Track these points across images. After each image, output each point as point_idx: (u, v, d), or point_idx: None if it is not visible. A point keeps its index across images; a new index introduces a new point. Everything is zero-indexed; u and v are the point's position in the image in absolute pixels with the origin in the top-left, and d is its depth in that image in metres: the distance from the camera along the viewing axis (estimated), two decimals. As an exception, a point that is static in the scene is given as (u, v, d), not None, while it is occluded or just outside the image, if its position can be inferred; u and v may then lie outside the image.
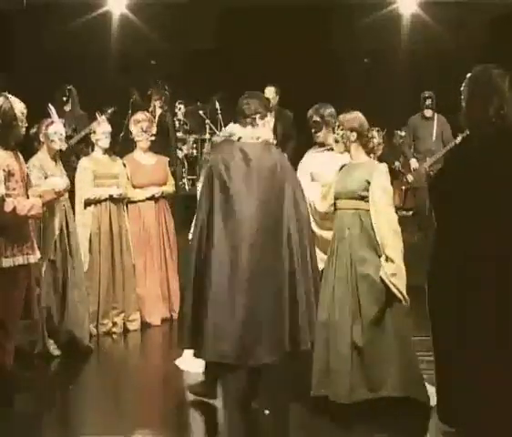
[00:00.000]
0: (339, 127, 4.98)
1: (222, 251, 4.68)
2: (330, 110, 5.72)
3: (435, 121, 9.31)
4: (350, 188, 4.83)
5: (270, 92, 9.05)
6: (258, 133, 4.91)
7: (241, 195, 4.72)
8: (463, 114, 3.70)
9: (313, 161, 5.72)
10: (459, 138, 8.68)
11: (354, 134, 4.89)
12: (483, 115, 3.57)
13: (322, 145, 5.75)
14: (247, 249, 4.67)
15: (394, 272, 4.67)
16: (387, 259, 4.67)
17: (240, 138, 4.90)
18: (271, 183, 4.78)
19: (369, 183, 4.76)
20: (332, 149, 5.56)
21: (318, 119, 5.71)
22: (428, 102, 9.29)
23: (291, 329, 4.70)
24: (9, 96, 4.75)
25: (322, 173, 5.53)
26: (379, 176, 4.78)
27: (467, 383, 3.44)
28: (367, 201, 4.76)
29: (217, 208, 4.72)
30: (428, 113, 9.33)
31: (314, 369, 4.75)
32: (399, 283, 4.69)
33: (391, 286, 4.66)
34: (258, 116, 4.90)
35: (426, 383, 4.75)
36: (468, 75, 3.71)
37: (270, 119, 5.07)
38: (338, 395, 4.64)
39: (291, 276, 4.72)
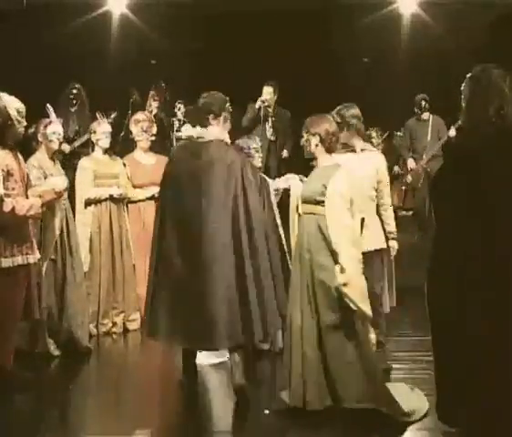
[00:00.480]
0: (304, 130, 4.96)
1: (170, 243, 5.00)
2: (352, 111, 5.66)
3: (430, 121, 9.48)
4: (307, 193, 4.83)
5: (267, 91, 9.05)
6: (208, 132, 5.07)
7: (187, 190, 4.97)
8: (463, 113, 3.71)
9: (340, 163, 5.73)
10: (452, 131, 8.92)
11: (317, 138, 4.85)
12: (483, 115, 3.57)
13: (345, 146, 5.74)
14: (190, 241, 4.92)
15: (346, 282, 4.54)
16: (340, 267, 4.58)
17: (191, 138, 5.15)
18: (218, 180, 4.94)
19: (326, 187, 4.70)
20: (355, 151, 5.60)
21: (339, 120, 5.67)
22: (423, 104, 9.47)
23: (244, 320, 4.84)
24: (3, 95, 4.73)
25: None
26: (336, 181, 4.68)
27: (467, 383, 3.44)
28: (323, 206, 4.71)
29: (166, 204, 5.09)
30: (425, 116, 9.50)
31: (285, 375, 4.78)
32: (352, 293, 4.54)
33: (344, 296, 4.56)
34: (211, 116, 5.07)
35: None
36: (468, 75, 3.71)
37: (223, 119, 5.15)
38: (309, 402, 4.62)
39: (239, 270, 4.88)
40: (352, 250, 4.61)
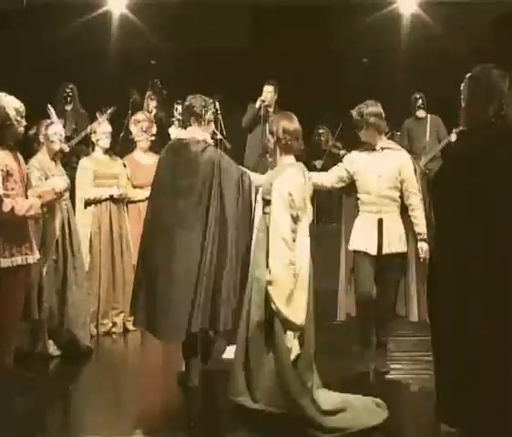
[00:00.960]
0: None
1: (149, 234, 5.38)
2: (371, 109, 5.61)
3: (428, 121, 9.34)
4: (262, 192, 4.84)
5: (267, 90, 9.04)
6: (187, 132, 5.34)
7: (166, 185, 5.30)
8: (462, 114, 3.70)
9: (354, 160, 5.73)
10: (453, 135, 8.81)
11: (274, 137, 4.78)
12: (483, 115, 3.56)
13: (364, 144, 5.72)
14: (163, 232, 5.24)
15: (270, 280, 4.48)
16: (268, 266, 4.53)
17: (175, 139, 5.50)
18: (196, 177, 5.19)
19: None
20: (375, 149, 5.58)
21: (358, 118, 5.65)
22: (419, 102, 9.35)
23: (212, 309, 5.09)
24: (2, 94, 4.72)
25: (360, 172, 5.62)
26: (279, 182, 4.61)
27: (467, 383, 3.44)
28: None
29: (151, 197, 5.51)
30: (421, 113, 9.38)
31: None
32: (274, 294, 4.45)
33: (268, 294, 4.51)
34: (192, 118, 5.33)
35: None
36: (468, 74, 3.70)
37: (206, 121, 5.36)
38: (234, 393, 4.65)
39: (201, 263, 5.13)
40: (283, 251, 4.48)
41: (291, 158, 4.77)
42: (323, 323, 6.35)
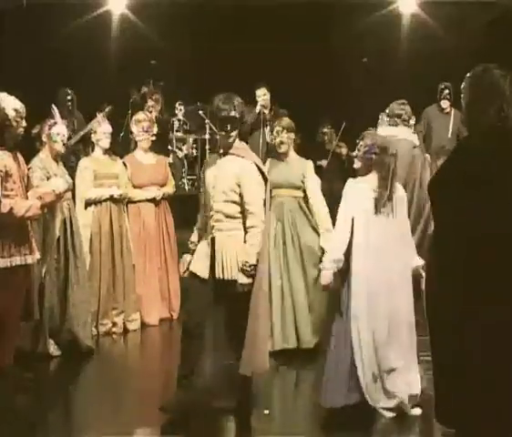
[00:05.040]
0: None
1: None
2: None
3: (452, 116, 8.90)
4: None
5: (262, 93, 9.00)
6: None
7: None
8: (463, 114, 3.68)
9: None
10: None
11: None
12: (483, 116, 3.54)
13: None
14: None
15: None
16: None
17: None
18: None
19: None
20: None
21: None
22: (446, 92, 8.92)
23: None
24: (1, 95, 4.72)
25: None
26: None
27: (466, 384, 3.44)
28: None
29: None
30: (445, 104, 8.95)
31: None
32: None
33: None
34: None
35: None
36: (468, 74, 3.66)
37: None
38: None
39: None
40: None
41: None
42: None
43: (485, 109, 3.53)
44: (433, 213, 3.68)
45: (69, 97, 8.81)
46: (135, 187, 7.12)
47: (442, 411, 3.64)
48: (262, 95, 8.93)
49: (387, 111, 5.55)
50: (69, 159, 7.69)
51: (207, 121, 10.59)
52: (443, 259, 3.53)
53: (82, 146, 8.25)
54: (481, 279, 3.40)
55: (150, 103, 8.89)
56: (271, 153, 6.67)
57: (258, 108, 8.96)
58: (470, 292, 3.42)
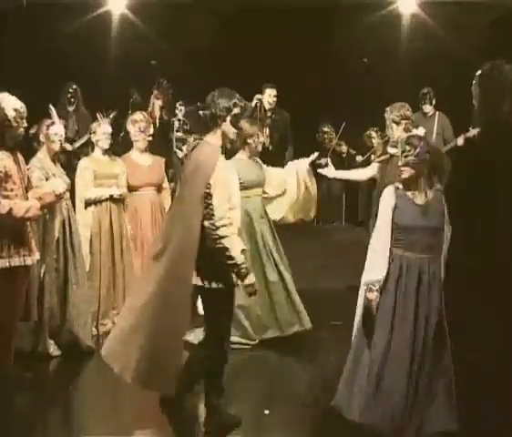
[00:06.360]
0: None
1: None
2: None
3: (436, 119, 9.03)
4: None
5: (272, 93, 9.04)
6: None
7: None
8: (475, 113, 3.59)
9: None
10: (460, 139, 8.48)
11: None
12: (496, 113, 3.46)
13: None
14: None
15: None
16: None
17: None
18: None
19: None
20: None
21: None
22: (427, 97, 9.05)
23: None
24: (1, 95, 4.71)
25: None
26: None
27: (465, 384, 3.44)
28: None
29: None
30: (427, 108, 9.10)
31: None
32: None
33: None
34: None
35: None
36: (478, 72, 3.56)
37: None
38: None
39: None
40: None
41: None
42: (323, 323, 6.39)
43: (498, 106, 3.45)
44: (448, 213, 3.60)
45: (71, 91, 8.82)
46: (131, 187, 7.09)
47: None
48: (271, 94, 8.97)
49: (400, 113, 5.53)
50: (73, 163, 7.68)
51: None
52: (457, 257, 3.47)
53: (84, 146, 8.24)
54: (486, 276, 3.37)
55: (159, 103, 8.84)
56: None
57: (254, 102, 8.93)
58: (477, 292, 3.38)
